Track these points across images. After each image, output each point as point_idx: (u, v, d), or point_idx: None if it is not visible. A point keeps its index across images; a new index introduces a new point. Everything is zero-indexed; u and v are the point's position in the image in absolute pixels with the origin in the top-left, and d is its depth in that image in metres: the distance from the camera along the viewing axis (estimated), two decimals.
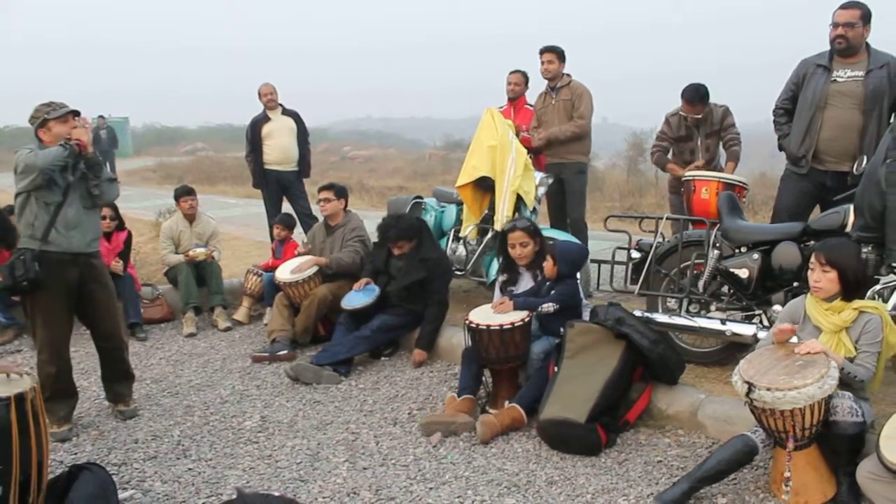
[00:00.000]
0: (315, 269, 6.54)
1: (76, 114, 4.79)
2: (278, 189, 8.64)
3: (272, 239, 8.11)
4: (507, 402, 4.83)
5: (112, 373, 5.17)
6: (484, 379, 5.11)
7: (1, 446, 3.25)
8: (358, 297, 6.12)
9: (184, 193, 7.63)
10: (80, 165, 4.73)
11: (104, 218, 6.89)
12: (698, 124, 6.56)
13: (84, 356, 6.22)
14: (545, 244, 5.38)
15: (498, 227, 6.23)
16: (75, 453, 4.57)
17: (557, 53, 7.09)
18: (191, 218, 7.63)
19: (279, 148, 8.50)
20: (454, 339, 5.95)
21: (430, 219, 7.16)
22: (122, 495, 3.95)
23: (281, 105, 8.68)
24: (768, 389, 3.52)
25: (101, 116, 22.58)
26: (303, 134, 8.74)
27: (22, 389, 3.39)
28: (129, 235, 7.43)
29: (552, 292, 5.11)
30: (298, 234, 8.18)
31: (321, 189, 6.85)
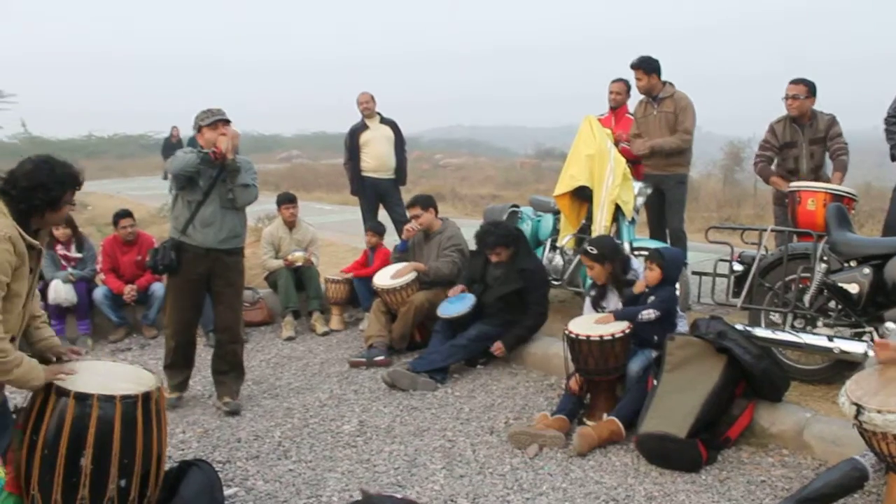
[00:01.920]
0: (413, 275, 6.61)
1: (226, 122, 5.09)
2: (375, 196, 8.76)
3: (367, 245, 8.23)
4: (604, 415, 4.79)
5: (223, 364, 5.47)
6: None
7: (127, 441, 3.40)
8: (454, 306, 6.16)
9: (286, 201, 7.81)
10: (218, 170, 5.10)
11: None
12: (803, 130, 6.38)
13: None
14: (622, 264, 5.32)
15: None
16: (182, 449, 4.73)
17: (644, 69, 6.92)
18: (291, 225, 7.80)
19: (377, 156, 8.62)
20: (551, 349, 5.92)
21: (526, 228, 7.14)
22: (226, 492, 4.07)
23: (379, 114, 8.79)
24: (879, 412, 3.35)
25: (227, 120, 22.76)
26: (400, 142, 8.84)
27: (148, 389, 3.55)
28: None
29: (651, 299, 5.04)
30: (393, 241, 8.27)
31: (408, 207, 6.96)
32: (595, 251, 5.27)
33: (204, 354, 6.21)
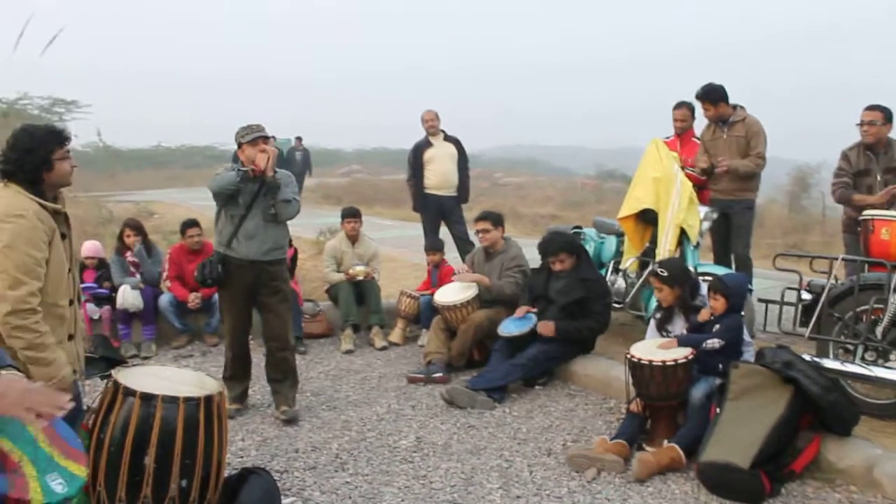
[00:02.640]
0: (474, 292, 6.62)
1: (266, 139, 5.17)
2: (437, 213, 8.80)
3: (428, 263, 8.26)
4: (664, 441, 4.72)
5: (276, 372, 5.55)
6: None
7: (188, 442, 3.48)
8: (515, 324, 6.15)
9: (349, 215, 7.90)
10: (259, 185, 5.18)
11: None
12: (878, 157, 6.23)
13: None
14: (691, 289, 5.25)
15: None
16: (241, 457, 4.79)
17: (710, 100, 6.81)
18: (353, 239, 7.88)
19: (440, 173, 8.67)
20: (611, 372, 5.87)
21: (589, 249, 7.11)
22: (284, 502, 4.11)
23: (443, 131, 8.84)
24: None
25: (298, 138, 22.54)
26: (463, 160, 8.87)
27: (211, 392, 3.62)
28: (296, 252, 7.78)
29: (716, 328, 4.97)
30: (454, 258, 8.29)
31: (478, 220, 6.94)
32: (666, 273, 5.22)
33: (262, 364, 6.29)
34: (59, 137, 3.47)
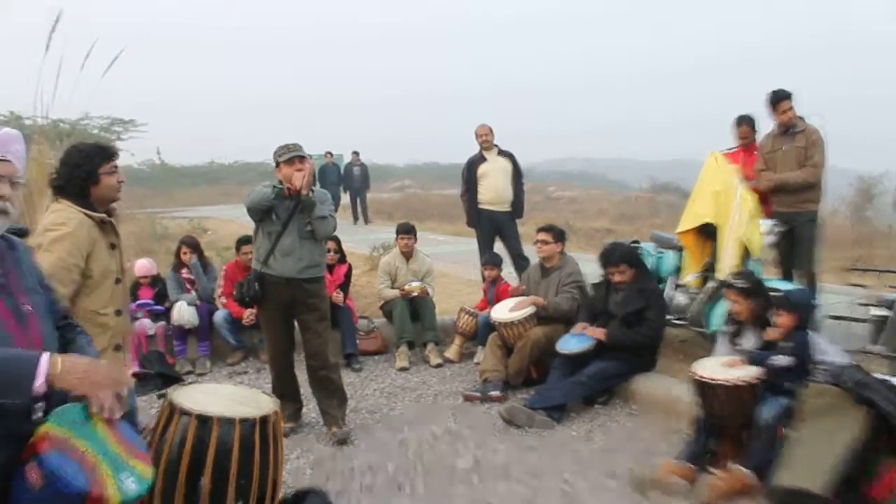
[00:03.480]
0: (532, 309, 6.53)
1: (302, 158, 5.20)
2: (492, 229, 8.74)
3: (484, 278, 8.20)
4: (730, 463, 4.57)
5: (320, 391, 5.55)
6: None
7: (244, 463, 3.44)
8: (574, 341, 6.05)
9: (404, 231, 7.88)
10: (295, 202, 5.22)
11: (329, 251, 7.24)
12: None
13: (303, 383, 6.51)
14: (766, 302, 5.08)
15: (720, 276, 5.98)
16: (297, 477, 4.76)
17: (790, 98, 6.70)
18: (408, 255, 7.86)
19: (494, 188, 8.61)
20: (673, 391, 5.72)
21: (648, 263, 6.98)
22: None
23: (496, 146, 8.79)
24: None
25: (355, 153, 22.34)
26: (517, 175, 8.80)
27: (266, 412, 3.59)
28: (350, 268, 7.78)
29: (785, 345, 4.80)
30: (508, 273, 8.21)
31: (540, 230, 6.85)
32: (746, 285, 5.07)
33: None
34: (105, 153, 3.53)
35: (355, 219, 21.65)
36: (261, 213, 5.26)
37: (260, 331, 7.52)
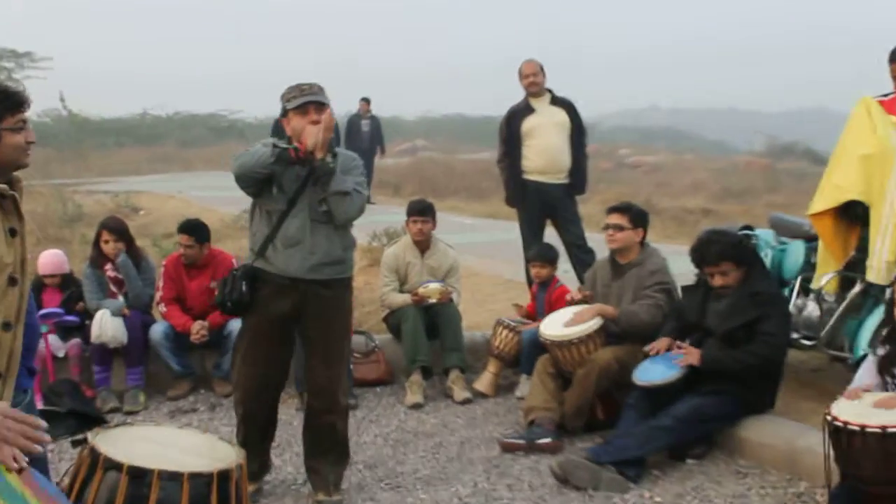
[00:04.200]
0: (598, 322, 6.55)
1: (321, 105, 5.11)
2: (541, 208, 8.75)
3: (529, 279, 8.18)
4: None
5: (316, 445, 5.49)
6: None
7: None
8: (658, 368, 6.06)
9: (417, 212, 7.86)
10: (309, 169, 5.11)
11: None
12: None
13: (280, 424, 6.56)
14: None
15: (873, 277, 5.96)
16: None
17: None
18: (423, 245, 7.89)
19: (545, 151, 8.62)
20: (798, 441, 5.72)
21: (764, 259, 6.98)
22: None
23: (549, 91, 8.79)
24: None
25: (364, 100, 21.72)
26: (578, 133, 8.80)
27: (226, 466, 3.62)
28: None
29: None
30: (564, 272, 8.22)
31: (612, 211, 6.84)
32: None
33: (297, 423, 6.31)
34: (9, 100, 3.47)
35: None
36: (257, 184, 5.13)
37: (215, 351, 7.62)
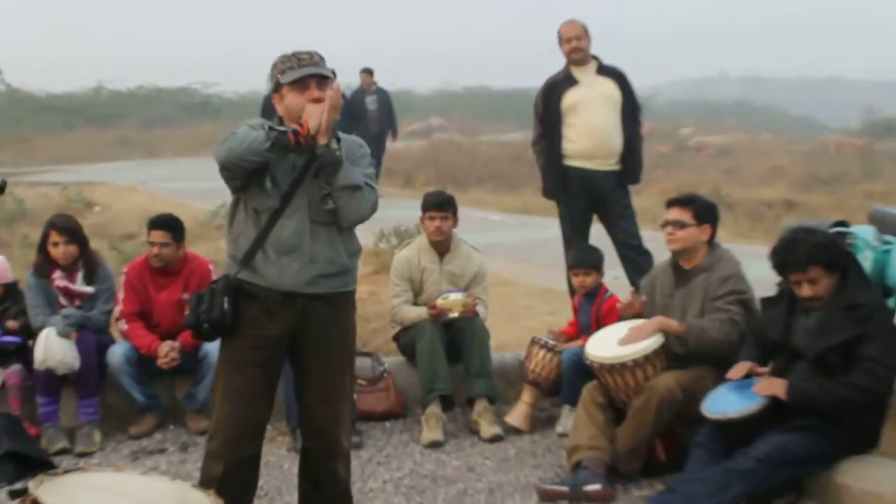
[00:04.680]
0: (658, 341, 6.53)
1: (323, 79, 5.05)
2: (586, 201, 8.74)
3: (571, 289, 8.16)
4: None
5: (313, 496, 5.41)
6: None
7: None
8: (734, 398, 6.02)
9: (435, 207, 7.87)
10: (307, 158, 5.00)
11: None
12: None
13: (268, 467, 6.56)
14: None
15: None
16: None
17: None
18: (442, 247, 7.90)
19: (591, 131, 8.60)
20: None
21: (863, 262, 6.92)
22: None
23: (595, 59, 8.77)
24: None
25: (366, 71, 21.59)
26: (631, 108, 8.79)
27: None
28: None
29: None
30: (614, 278, 8.20)
31: (672, 204, 6.80)
32: None
33: (289, 465, 6.32)
34: None
35: None
36: (244, 176, 5.00)
37: (186, 378, 7.61)
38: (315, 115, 4.82)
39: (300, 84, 4.97)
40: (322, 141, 4.84)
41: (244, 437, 5.17)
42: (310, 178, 5.01)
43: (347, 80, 21.61)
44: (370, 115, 20.75)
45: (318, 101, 4.88)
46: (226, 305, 4.99)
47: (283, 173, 4.97)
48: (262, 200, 5.00)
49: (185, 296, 7.39)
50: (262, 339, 5.07)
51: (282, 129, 4.84)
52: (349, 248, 5.20)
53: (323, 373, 5.18)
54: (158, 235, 7.51)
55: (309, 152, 4.91)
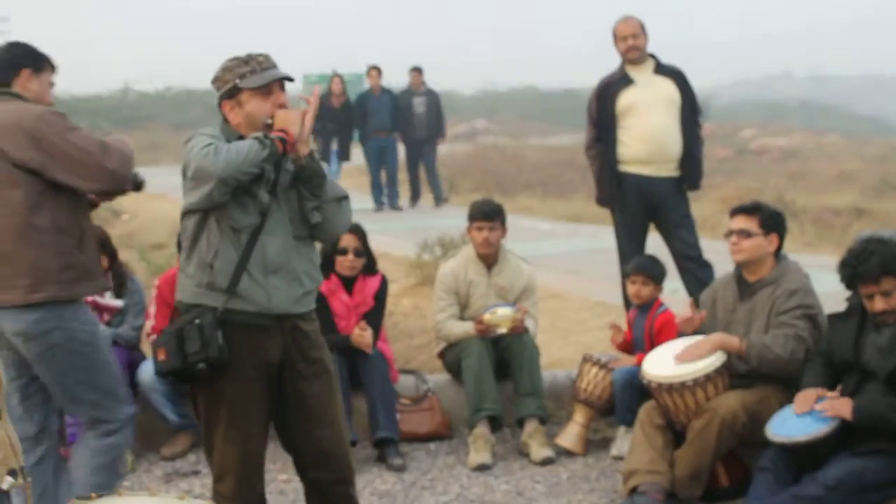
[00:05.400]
0: (720, 359, 6.52)
1: (286, 81, 5.06)
2: (643, 209, 8.74)
3: (627, 302, 8.15)
4: None
5: None
6: None
7: None
8: (801, 420, 6.01)
9: (483, 216, 7.86)
10: (285, 170, 4.99)
11: (344, 252, 7.30)
12: None
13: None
14: None
15: None
16: None
17: None
18: (490, 259, 7.91)
19: (649, 135, 8.59)
20: None
21: None
22: None
23: (653, 57, 8.76)
24: None
25: (416, 69, 21.30)
26: (690, 110, 8.75)
27: None
28: (384, 284, 7.81)
29: None
30: (672, 291, 8.19)
31: (737, 212, 6.78)
32: None
33: (295, 496, 6.33)
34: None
35: (415, 196, 21.36)
36: (233, 191, 4.86)
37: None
38: (296, 121, 4.84)
39: (265, 89, 4.97)
40: (304, 151, 4.88)
41: (254, 475, 5.17)
42: (282, 191, 4.99)
43: (390, 79, 21.64)
44: (417, 118, 20.51)
45: (282, 106, 4.93)
46: (220, 340, 4.84)
47: (256, 186, 4.90)
48: (241, 217, 4.89)
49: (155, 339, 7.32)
50: (258, 369, 5.00)
51: (271, 138, 4.79)
52: (316, 261, 5.27)
53: (318, 395, 5.14)
54: None
55: (287, 160, 4.93)
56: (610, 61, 8.87)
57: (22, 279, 5.10)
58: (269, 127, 4.88)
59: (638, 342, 7.51)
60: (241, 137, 4.88)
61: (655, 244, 8.77)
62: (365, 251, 7.70)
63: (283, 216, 4.99)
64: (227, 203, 4.84)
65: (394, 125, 20.44)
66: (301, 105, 4.98)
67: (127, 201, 19.40)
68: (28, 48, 5.38)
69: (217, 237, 4.90)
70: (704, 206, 10.47)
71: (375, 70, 20.79)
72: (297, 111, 4.87)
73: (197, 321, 4.85)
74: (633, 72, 8.70)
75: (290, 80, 5.06)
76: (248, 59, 4.98)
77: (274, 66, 5.02)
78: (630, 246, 8.64)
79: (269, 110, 4.91)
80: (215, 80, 5.05)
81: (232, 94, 4.98)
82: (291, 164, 4.95)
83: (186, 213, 5.01)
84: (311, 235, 5.14)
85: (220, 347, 4.81)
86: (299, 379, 5.09)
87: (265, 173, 4.85)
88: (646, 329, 7.52)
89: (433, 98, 20.90)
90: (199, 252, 4.94)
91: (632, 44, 8.65)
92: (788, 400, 6.19)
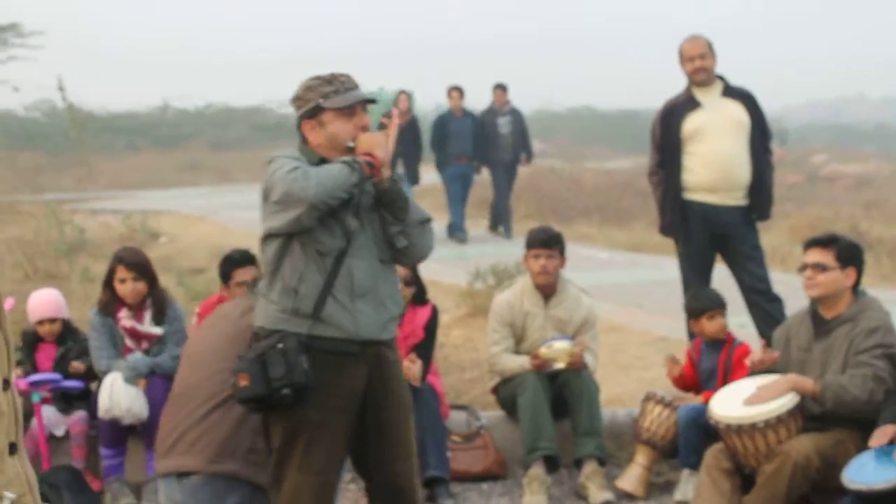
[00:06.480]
0: (793, 400, 6.47)
1: (369, 104, 5.13)
2: (708, 239, 8.71)
3: (692, 335, 8.12)
4: None
5: None
6: None
7: None
8: (880, 468, 5.96)
9: (541, 244, 7.85)
10: (366, 192, 5.07)
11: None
12: None
13: None
14: None
15: None
16: None
17: None
18: (547, 290, 7.89)
19: (716, 161, 8.57)
20: None
21: None
22: None
23: (721, 79, 8.74)
24: None
25: (499, 87, 20.47)
26: (760, 135, 8.73)
27: None
28: (435, 315, 7.80)
29: None
30: (739, 324, 8.14)
31: (812, 245, 6.73)
32: None
33: None
34: None
35: (496, 224, 20.85)
36: (318, 218, 4.94)
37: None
38: (382, 144, 4.94)
39: (349, 110, 5.04)
40: (387, 174, 4.97)
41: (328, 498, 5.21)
42: (366, 213, 5.07)
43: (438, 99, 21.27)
44: (503, 139, 19.87)
45: (364, 128, 5.00)
46: (305, 365, 4.91)
47: (341, 209, 4.99)
48: (328, 240, 5.01)
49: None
50: (342, 398, 5.08)
51: (359, 161, 4.89)
52: (399, 287, 5.35)
53: (398, 425, 5.23)
54: (246, 274, 7.18)
55: (380, 186, 5.01)
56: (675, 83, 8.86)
57: None
58: (351, 150, 4.97)
59: (707, 375, 7.47)
60: (323, 159, 4.98)
61: (722, 275, 8.72)
62: (415, 280, 7.70)
63: (368, 239, 5.10)
64: (317, 227, 4.97)
65: (475, 151, 19.79)
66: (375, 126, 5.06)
67: (164, 222, 19.61)
68: None
69: (302, 261, 5.02)
70: (773, 237, 10.42)
71: (457, 91, 20.03)
72: (380, 134, 4.99)
73: (280, 345, 4.95)
74: (699, 94, 8.68)
75: (374, 102, 5.16)
76: (331, 79, 5.09)
77: (356, 86, 5.12)
78: (695, 278, 8.63)
79: (352, 132, 5.02)
80: (296, 99, 5.16)
81: (314, 113, 5.08)
82: (372, 186, 5.02)
83: (268, 237, 5.09)
84: (395, 259, 5.22)
85: (306, 372, 4.92)
86: (381, 409, 5.17)
87: (353, 197, 4.94)
88: (720, 364, 7.47)
89: (517, 117, 20.24)
90: (282, 277, 5.05)
91: (699, 65, 8.64)
92: (865, 444, 6.15)
